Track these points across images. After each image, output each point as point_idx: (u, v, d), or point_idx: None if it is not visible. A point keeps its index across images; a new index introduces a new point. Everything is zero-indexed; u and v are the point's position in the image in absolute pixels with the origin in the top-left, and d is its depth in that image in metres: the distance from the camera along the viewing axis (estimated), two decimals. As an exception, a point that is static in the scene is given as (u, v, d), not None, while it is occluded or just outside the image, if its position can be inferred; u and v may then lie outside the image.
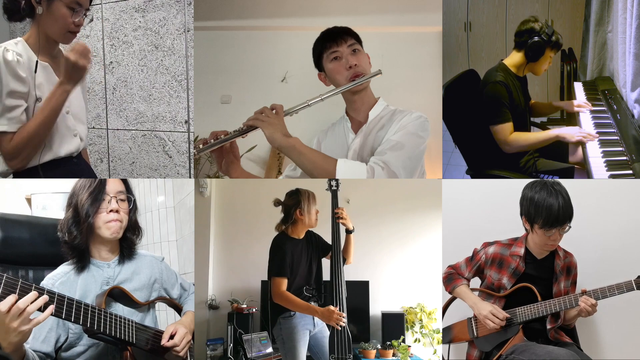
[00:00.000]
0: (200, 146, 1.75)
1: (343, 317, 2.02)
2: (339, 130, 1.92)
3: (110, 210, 1.49)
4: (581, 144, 2.16)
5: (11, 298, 1.16)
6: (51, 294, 1.24)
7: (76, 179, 1.55)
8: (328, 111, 1.89)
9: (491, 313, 1.79)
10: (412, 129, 1.73)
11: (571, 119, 2.54)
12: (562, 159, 2.39)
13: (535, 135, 2.32)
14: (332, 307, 2.03)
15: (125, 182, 1.58)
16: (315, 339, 2.22)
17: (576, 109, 2.47)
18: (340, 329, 2.00)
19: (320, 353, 2.21)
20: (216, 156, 1.81)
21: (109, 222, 1.49)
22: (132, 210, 1.57)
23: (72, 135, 1.85)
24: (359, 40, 1.84)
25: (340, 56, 1.80)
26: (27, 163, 1.72)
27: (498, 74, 2.30)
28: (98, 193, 1.49)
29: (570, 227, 1.71)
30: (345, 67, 1.79)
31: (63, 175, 1.83)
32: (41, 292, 1.21)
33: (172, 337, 1.49)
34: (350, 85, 1.78)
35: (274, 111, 1.73)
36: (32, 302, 1.18)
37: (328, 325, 2.09)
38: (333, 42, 1.81)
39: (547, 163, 2.38)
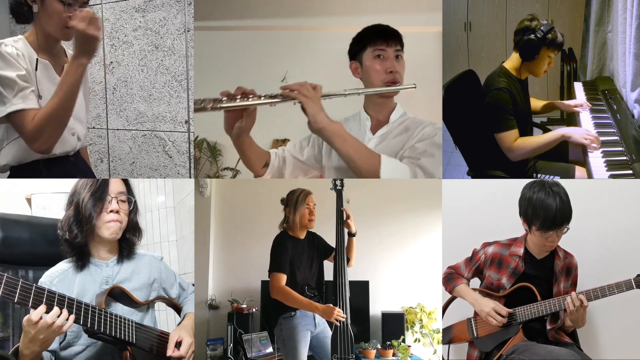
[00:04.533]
0: (224, 99, 1.64)
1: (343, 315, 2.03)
2: (354, 127, 1.89)
3: (111, 211, 1.49)
4: (583, 145, 2.14)
5: (42, 309, 1.21)
6: (51, 293, 1.24)
7: (77, 178, 1.55)
8: (342, 105, 1.87)
9: (494, 310, 1.78)
10: (438, 141, 1.74)
11: (571, 118, 2.53)
12: (562, 159, 2.38)
13: (540, 139, 2.23)
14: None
15: (126, 182, 1.57)
16: (317, 339, 2.23)
17: (574, 108, 2.46)
18: (340, 325, 2.00)
19: (322, 353, 2.22)
20: (232, 115, 1.71)
21: (108, 222, 1.49)
22: (133, 211, 1.56)
23: (70, 134, 1.83)
24: (403, 48, 1.83)
25: (385, 56, 1.77)
26: (51, 146, 1.69)
27: (501, 79, 2.23)
28: (102, 193, 1.49)
29: (568, 228, 1.70)
30: (385, 70, 1.76)
31: (59, 174, 1.81)
32: (41, 292, 1.22)
33: (177, 344, 1.49)
34: (386, 90, 1.76)
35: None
36: (58, 316, 1.23)
37: (330, 325, 2.09)
38: (384, 40, 1.77)
39: (547, 163, 2.36)
